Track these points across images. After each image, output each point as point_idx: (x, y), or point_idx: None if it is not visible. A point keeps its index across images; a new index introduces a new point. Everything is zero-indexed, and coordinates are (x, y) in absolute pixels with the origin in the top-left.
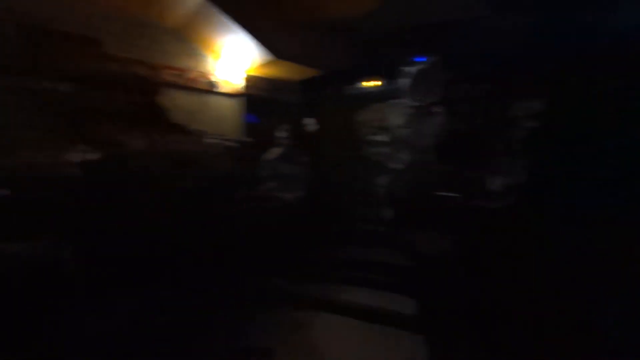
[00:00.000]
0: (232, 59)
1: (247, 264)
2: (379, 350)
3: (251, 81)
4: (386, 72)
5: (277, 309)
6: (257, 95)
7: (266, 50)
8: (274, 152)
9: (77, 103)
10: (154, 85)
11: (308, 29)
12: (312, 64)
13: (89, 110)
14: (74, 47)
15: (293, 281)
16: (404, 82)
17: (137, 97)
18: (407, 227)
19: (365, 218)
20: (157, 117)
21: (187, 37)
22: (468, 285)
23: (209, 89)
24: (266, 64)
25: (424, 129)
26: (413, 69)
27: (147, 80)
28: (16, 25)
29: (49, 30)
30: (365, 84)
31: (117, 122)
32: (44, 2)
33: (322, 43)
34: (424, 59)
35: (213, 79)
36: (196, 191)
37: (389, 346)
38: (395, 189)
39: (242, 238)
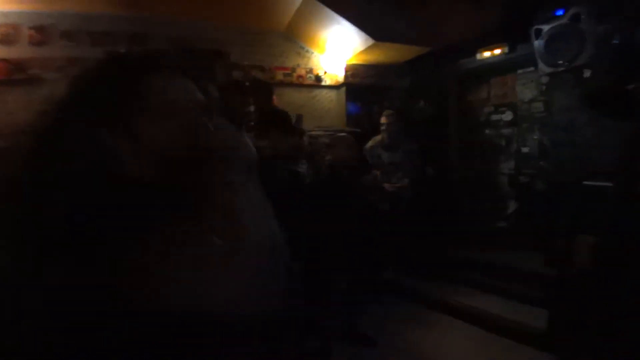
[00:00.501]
0: (335, 50)
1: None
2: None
3: (352, 70)
4: (512, 36)
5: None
6: (359, 83)
7: (365, 35)
8: (377, 140)
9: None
10: (270, 86)
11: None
12: (415, 42)
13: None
14: (212, 61)
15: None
16: (538, 44)
17: (260, 99)
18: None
19: (492, 215)
20: (276, 116)
21: (295, 37)
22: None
23: (315, 84)
24: (366, 50)
25: (564, 99)
26: (550, 26)
27: (264, 83)
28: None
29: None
30: (484, 54)
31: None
32: (181, 26)
33: (425, 17)
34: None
35: (319, 72)
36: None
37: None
38: (524, 178)
39: (371, 228)
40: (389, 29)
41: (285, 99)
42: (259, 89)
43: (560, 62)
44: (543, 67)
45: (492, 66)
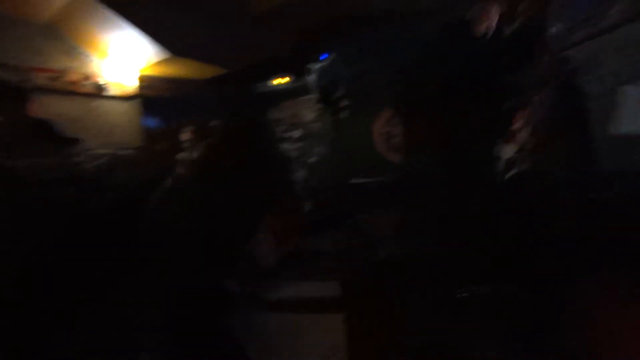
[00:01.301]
0: (123, 57)
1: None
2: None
3: (147, 81)
4: (295, 69)
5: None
6: (156, 96)
7: (162, 47)
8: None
9: None
10: (22, 91)
11: (208, 24)
12: (216, 61)
13: None
14: None
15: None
16: (312, 78)
17: (7, 108)
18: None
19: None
20: (34, 128)
21: (65, 33)
22: None
23: (95, 93)
24: (163, 62)
25: (333, 122)
26: (319, 65)
27: (14, 86)
28: None
29: None
30: (275, 81)
31: None
32: None
33: (225, 38)
34: (326, 56)
35: (100, 81)
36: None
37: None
38: (312, 182)
39: None
40: (188, 43)
41: (51, 110)
42: (5, 94)
43: (327, 93)
44: (316, 97)
45: (284, 91)
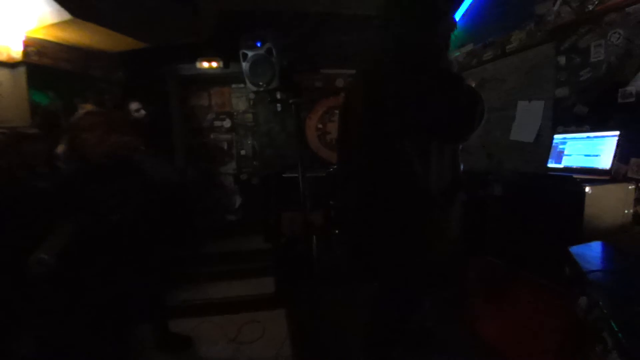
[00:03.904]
0: (10, 15)
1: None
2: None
3: (36, 45)
4: (227, 54)
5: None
6: (50, 65)
7: (57, 5)
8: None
9: None
10: None
11: None
12: (127, 31)
13: None
14: None
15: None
16: (245, 66)
17: None
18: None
19: (222, 210)
20: None
21: None
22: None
23: None
24: (60, 25)
25: (266, 113)
26: (252, 53)
27: None
28: None
29: None
30: (203, 64)
31: None
32: None
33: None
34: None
35: None
36: None
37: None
38: (244, 176)
39: None
40: (93, 6)
41: None
42: None
43: (261, 83)
44: (250, 86)
45: (212, 77)
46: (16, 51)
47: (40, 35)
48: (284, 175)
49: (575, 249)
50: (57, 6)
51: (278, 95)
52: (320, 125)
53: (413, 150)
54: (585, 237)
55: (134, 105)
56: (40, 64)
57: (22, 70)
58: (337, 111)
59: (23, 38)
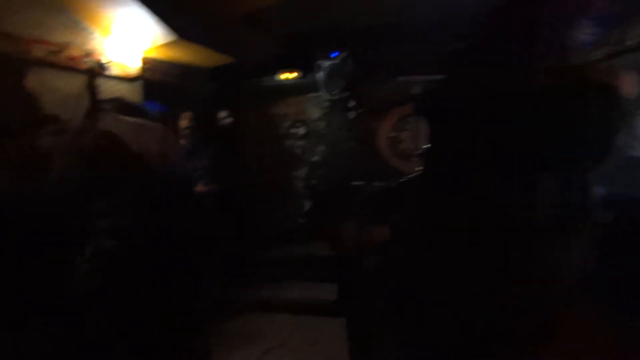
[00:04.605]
0: (126, 36)
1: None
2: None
3: (150, 63)
4: (303, 65)
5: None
6: (159, 80)
7: (168, 29)
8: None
9: None
10: (17, 62)
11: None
12: (223, 50)
13: None
14: None
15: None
16: (320, 75)
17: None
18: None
19: (287, 213)
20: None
21: (66, 5)
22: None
23: (97, 71)
24: (167, 45)
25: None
26: (328, 63)
27: (7, 57)
28: None
29: None
30: (282, 76)
31: None
32: None
33: (234, 29)
34: (337, 54)
35: (102, 59)
36: None
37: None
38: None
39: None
40: (195, 27)
41: (48, 85)
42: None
43: (334, 92)
44: (324, 94)
45: (289, 87)
46: (133, 67)
47: (153, 54)
48: (352, 183)
49: None
50: (167, 28)
51: (350, 104)
52: (392, 134)
53: None
54: None
55: (222, 114)
56: (152, 78)
57: (138, 84)
58: (410, 120)
59: (141, 57)
